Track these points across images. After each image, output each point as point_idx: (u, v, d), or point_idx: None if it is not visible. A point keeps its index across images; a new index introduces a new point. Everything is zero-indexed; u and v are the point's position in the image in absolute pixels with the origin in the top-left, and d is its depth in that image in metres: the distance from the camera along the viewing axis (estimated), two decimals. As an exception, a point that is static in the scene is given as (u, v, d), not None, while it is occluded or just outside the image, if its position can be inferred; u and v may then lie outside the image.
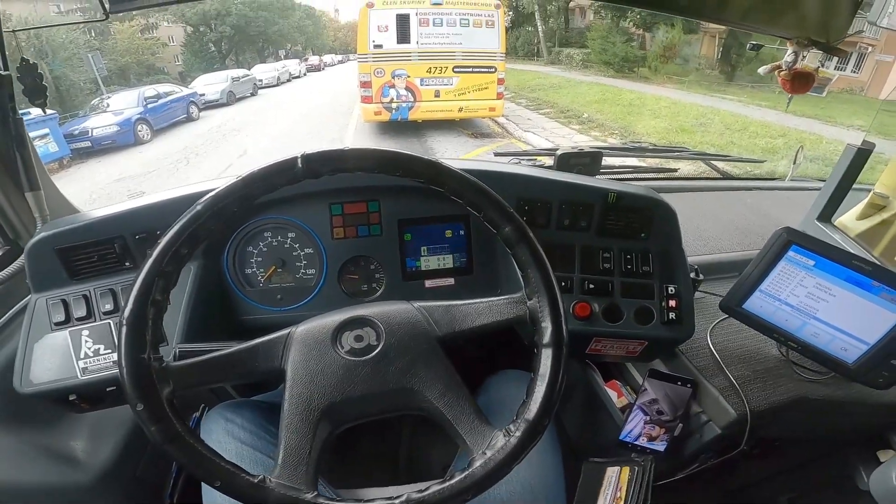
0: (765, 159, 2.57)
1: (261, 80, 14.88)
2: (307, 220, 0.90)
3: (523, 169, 0.98)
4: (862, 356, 0.80)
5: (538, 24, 18.09)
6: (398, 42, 7.06)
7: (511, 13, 18.42)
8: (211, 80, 12.24)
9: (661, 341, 0.88)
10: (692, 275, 1.05)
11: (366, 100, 7.31)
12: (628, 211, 0.87)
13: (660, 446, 0.95)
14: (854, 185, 1.26)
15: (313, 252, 0.92)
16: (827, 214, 1.29)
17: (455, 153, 6.87)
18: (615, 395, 1.08)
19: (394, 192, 0.90)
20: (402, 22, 6.98)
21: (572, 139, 7.67)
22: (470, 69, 7.37)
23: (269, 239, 0.91)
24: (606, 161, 1.65)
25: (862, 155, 1.20)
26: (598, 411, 1.10)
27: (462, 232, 0.95)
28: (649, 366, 0.96)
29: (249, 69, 16.08)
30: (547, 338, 0.56)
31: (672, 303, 0.85)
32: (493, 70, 7.42)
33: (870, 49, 11.03)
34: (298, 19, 27.68)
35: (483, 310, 0.60)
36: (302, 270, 0.92)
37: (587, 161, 1.56)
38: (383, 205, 0.91)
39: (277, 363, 0.57)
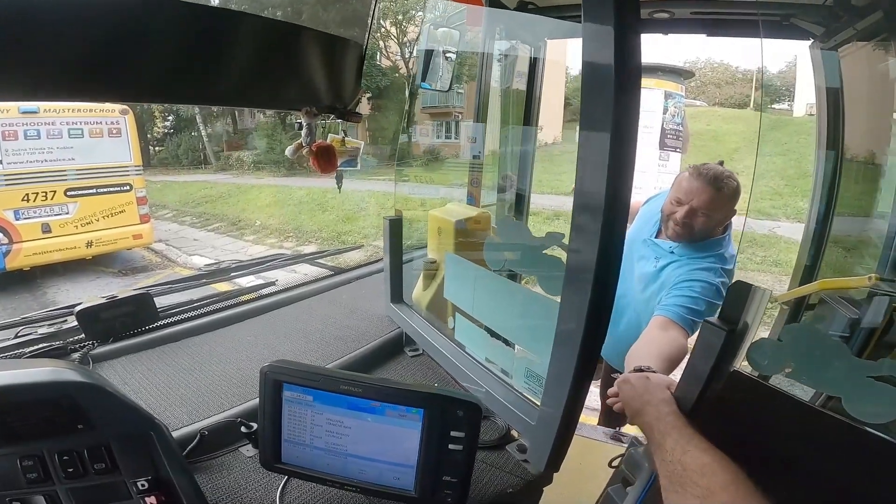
0: (361, 245, 2.84)
1: None
2: None
3: None
4: (416, 481, 0.67)
5: (201, 128, 17.12)
6: (-31, 163, 5.00)
7: (172, 117, 16.94)
8: None
9: None
10: (243, 428, 0.80)
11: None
12: (38, 405, 0.60)
13: None
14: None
15: None
16: (396, 295, 1.31)
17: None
18: None
19: None
20: (-29, 136, 5.00)
21: (247, 252, 7.16)
22: (93, 190, 5.86)
23: None
24: (171, 299, 1.33)
25: (395, 227, 1.26)
26: None
27: None
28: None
29: None
30: None
31: (151, 500, 0.61)
32: (129, 188, 6.12)
33: (460, 117, 13.24)
34: None
35: None
36: None
37: (131, 310, 1.22)
38: None
39: None
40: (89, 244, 5.85)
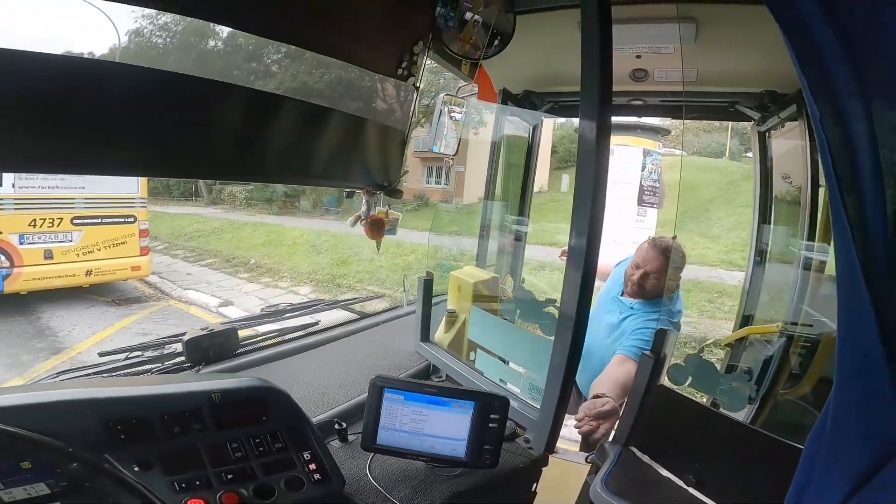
0: (383, 294, 3.23)
1: None
2: None
3: (105, 390, 0.90)
4: (467, 450, 1.06)
5: None
6: (-18, 185, 5.17)
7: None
8: None
9: (322, 499, 0.94)
10: (336, 426, 1.18)
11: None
12: (240, 403, 0.94)
13: None
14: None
15: None
16: (425, 335, 1.72)
17: (90, 329, 5.41)
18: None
19: None
20: (-15, 158, 5.24)
21: (242, 290, 7.41)
22: (98, 220, 6.08)
23: None
24: (246, 333, 1.68)
25: (428, 285, 1.69)
26: None
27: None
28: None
29: None
30: None
31: (312, 466, 0.94)
32: (133, 220, 6.35)
33: (451, 163, 13.60)
34: None
35: None
36: None
37: (221, 340, 1.55)
38: None
39: None
40: (88, 273, 6.03)
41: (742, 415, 1.41)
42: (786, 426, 1.54)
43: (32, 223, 5.61)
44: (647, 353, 1.10)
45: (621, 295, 1.87)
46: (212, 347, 1.53)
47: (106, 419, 0.82)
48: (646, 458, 1.04)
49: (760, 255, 2.11)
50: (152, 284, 7.30)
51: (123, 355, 1.50)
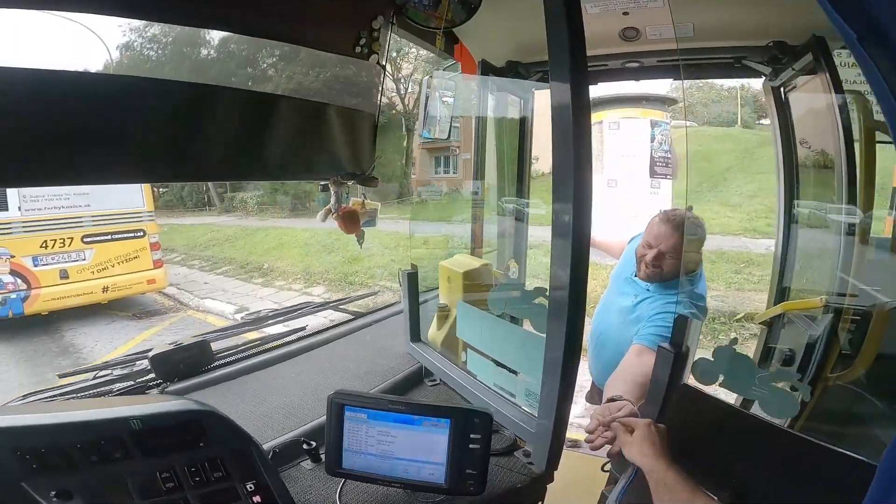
0: (377, 290, 3.08)
1: None
2: None
3: (16, 417, 0.78)
4: (446, 475, 0.89)
5: None
6: (-12, 210, 5.23)
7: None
8: None
9: None
10: (304, 445, 1.03)
11: (-59, 301, 5.02)
12: (170, 429, 0.82)
13: None
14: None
15: None
16: (415, 335, 1.55)
17: (111, 344, 5.44)
18: None
19: None
20: (-7, 182, 5.30)
21: (257, 295, 7.37)
22: (108, 237, 6.10)
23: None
24: (222, 344, 1.56)
25: (412, 279, 1.51)
26: None
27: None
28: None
29: None
30: None
31: (257, 498, 0.81)
32: (142, 234, 6.36)
33: (457, 151, 13.44)
34: None
35: None
36: None
37: (194, 353, 1.44)
38: None
39: None
40: (105, 289, 6.05)
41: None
42: (839, 416, 1.30)
43: (44, 244, 5.64)
44: (665, 345, 0.90)
45: (635, 276, 1.65)
46: (182, 361, 1.42)
47: (14, 448, 0.74)
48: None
49: (790, 222, 1.85)
50: (171, 296, 7.32)
51: (91, 374, 1.39)
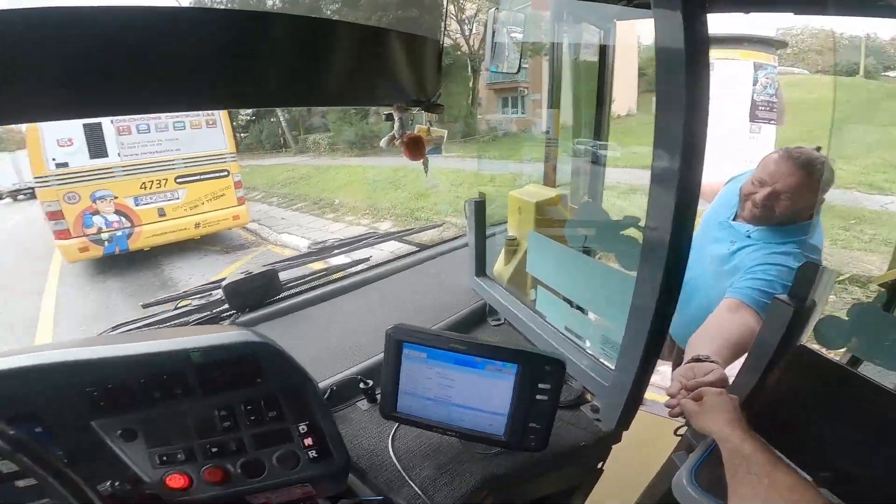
0: (442, 223, 2.97)
1: None
2: None
3: (83, 350, 0.76)
4: (506, 427, 0.81)
5: (279, 114, 18.26)
6: (91, 157, 5.79)
7: (251, 105, 18.13)
8: None
9: (319, 480, 0.77)
10: (361, 384, 1.00)
11: (61, 235, 5.72)
12: (229, 362, 0.76)
13: None
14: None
15: None
16: (480, 269, 1.44)
17: (205, 276, 5.96)
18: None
19: None
20: (93, 133, 5.77)
21: (329, 230, 7.65)
22: (197, 177, 6.59)
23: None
24: (290, 274, 1.56)
25: (479, 207, 1.38)
26: None
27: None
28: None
29: None
30: None
31: (308, 441, 0.77)
32: (227, 173, 6.80)
33: (526, 91, 13.01)
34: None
35: None
36: None
37: (263, 283, 1.46)
38: None
39: None
40: (197, 225, 6.62)
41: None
42: None
43: (142, 186, 6.21)
44: (782, 297, 0.71)
45: (733, 219, 1.38)
46: (252, 291, 1.45)
47: (84, 384, 0.73)
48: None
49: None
50: (253, 231, 7.84)
51: (172, 304, 1.46)
